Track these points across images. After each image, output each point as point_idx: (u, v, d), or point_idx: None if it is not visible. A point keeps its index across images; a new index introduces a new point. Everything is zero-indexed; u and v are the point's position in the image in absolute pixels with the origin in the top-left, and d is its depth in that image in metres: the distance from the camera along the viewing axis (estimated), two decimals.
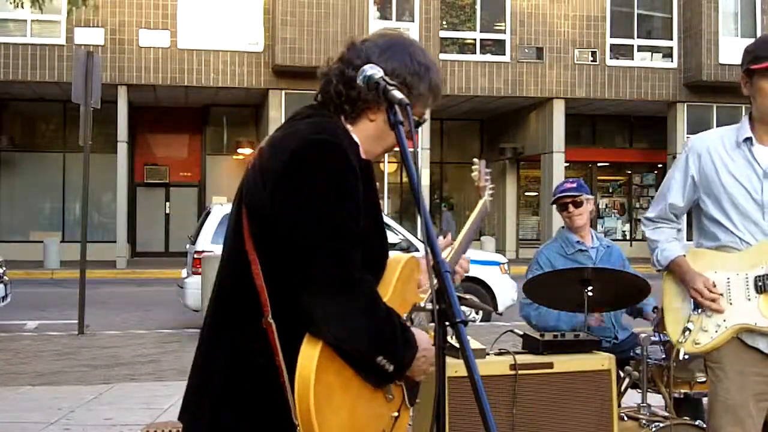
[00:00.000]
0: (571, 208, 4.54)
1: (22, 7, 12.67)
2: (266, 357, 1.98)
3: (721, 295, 3.23)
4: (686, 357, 4.02)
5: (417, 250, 10.04)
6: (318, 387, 1.91)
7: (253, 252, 2.02)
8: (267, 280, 1.99)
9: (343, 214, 1.97)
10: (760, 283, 3.19)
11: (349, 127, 2.14)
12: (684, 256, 3.35)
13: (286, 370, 1.95)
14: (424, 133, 22.02)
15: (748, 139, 3.26)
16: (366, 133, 2.15)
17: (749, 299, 3.20)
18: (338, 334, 1.94)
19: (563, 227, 4.72)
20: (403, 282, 2.16)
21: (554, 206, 4.66)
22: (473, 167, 2.75)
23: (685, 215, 3.54)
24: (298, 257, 1.96)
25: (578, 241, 4.56)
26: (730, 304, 3.23)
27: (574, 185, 4.63)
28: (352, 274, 1.95)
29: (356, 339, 1.95)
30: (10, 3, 12.50)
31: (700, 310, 3.28)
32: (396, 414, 2.13)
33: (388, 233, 2.48)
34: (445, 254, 2.37)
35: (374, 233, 2.11)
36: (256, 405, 2.01)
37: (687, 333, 3.28)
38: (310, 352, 1.93)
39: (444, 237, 2.44)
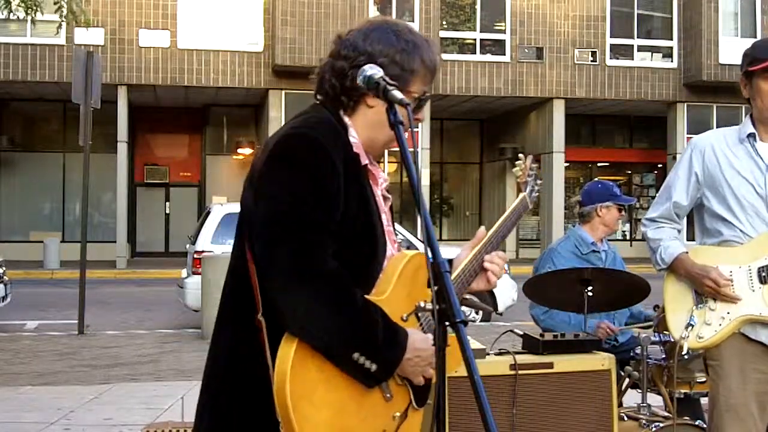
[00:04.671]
0: (623, 212, 4.71)
1: (17, 17, 12.61)
2: (258, 353, 1.97)
3: (732, 281, 3.24)
4: (686, 356, 4.03)
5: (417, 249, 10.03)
6: (296, 383, 1.89)
7: (249, 251, 2.02)
8: (259, 278, 1.99)
9: (310, 206, 1.95)
10: (764, 274, 3.21)
11: (348, 119, 2.14)
12: (687, 253, 3.36)
13: (272, 367, 1.93)
14: (424, 133, 22.04)
15: (751, 135, 3.30)
16: (366, 120, 2.14)
17: (753, 290, 3.22)
18: (303, 327, 1.91)
19: (574, 226, 4.76)
20: (405, 279, 2.10)
21: (601, 207, 4.62)
22: (517, 162, 2.69)
23: (685, 218, 3.56)
24: (264, 249, 1.95)
25: (593, 243, 4.60)
26: None
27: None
28: (316, 266, 1.92)
29: (321, 333, 1.91)
30: (1, 11, 12.46)
31: (702, 305, 3.30)
32: (398, 414, 2.06)
33: None
34: (477, 249, 2.33)
35: (362, 230, 2.06)
36: (248, 399, 2.01)
37: (690, 328, 3.29)
38: (286, 348, 1.91)
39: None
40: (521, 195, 2.62)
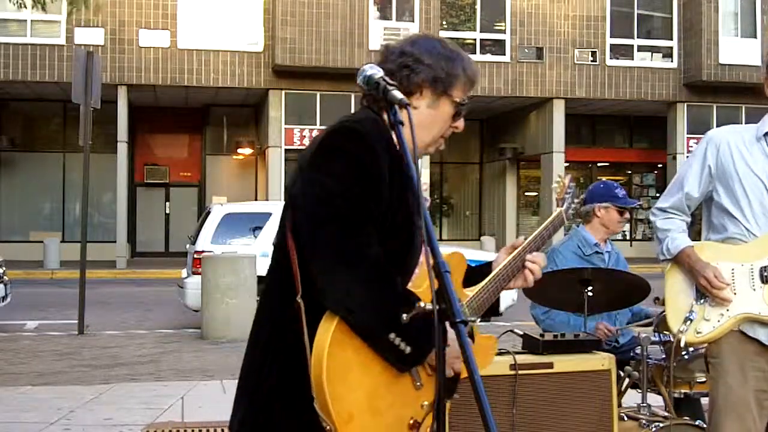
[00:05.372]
0: (626, 215, 4.63)
1: (25, 7, 12.64)
2: (296, 334, 2.05)
3: (729, 284, 3.25)
4: (686, 356, 4.03)
5: None
6: (332, 362, 1.96)
7: (291, 239, 2.12)
8: (300, 263, 2.08)
9: (357, 192, 2.03)
10: (766, 273, 3.22)
11: None
12: (692, 247, 3.37)
13: (308, 348, 2.01)
14: None
15: (767, 134, 3.30)
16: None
17: (754, 289, 3.23)
18: (344, 305, 1.99)
19: (578, 227, 4.73)
20: None
21: (600, 207, 4.57)
22: (556, 180, 2.81)
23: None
24: (309, 230, 2.04)
25: (596, 243, 4.57)
26: (735, 294, 3.25)
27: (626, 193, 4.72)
28: (359, 248, 2.01)
29: (362, 312, 1.99)
30: (13, 3, 12.49)
31: (702, 300, 3.30)
32: (427, 403, 2.12)
33: None
34: (516, 252, 2.46)
35: (402, 222, 2.13)
36: (286, 378, 2.09)
37: (689, 322, 3.30)
38: (325, 328, 1.99)
39: None
40: (558, 210, 2.74)
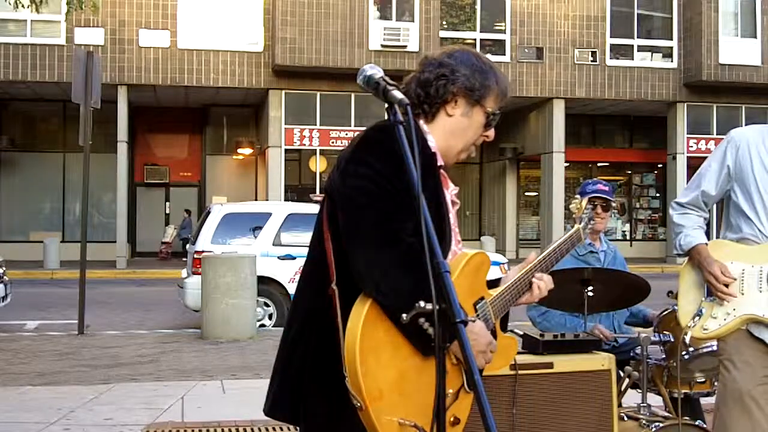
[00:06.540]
0: (599, 209, 4.48)
1: (24, 7, 12.63)
2: (329, 317, 2.15)
3: (735, 279, 3.28)
4: (686, 356, 4.03)
5: None
6: (365, 340, 2.03)
7: (327, 230, 2.23)
8: (335, 252, 2.19)
9: (395, 184, 2.12)
10: None
11: (426, 127, 2.34)
12: (706, 244, 3.40)
13: (342, 330, 2.10)
14: None
15: None
16: (444, 128, 2.35)
17: (761, 291, 3.26)
18: (379, 287, 2.06)
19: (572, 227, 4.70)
20: (467, 274, 2.28)
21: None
22: (574, 200, 2.96)
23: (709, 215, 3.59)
24: (349, 216, 2.15)
25: (590, 243, 4.56)
26: (742, 294, 3.28)
27: (607, 188, 4.58)
28: (396, 234, 2.10)
29: (396, 293, 2.05)
30: (8, 2, 12.48)
31: (712, 298, 3.34)
32: (451, 391, 2.16)
33: None
34: (527, 269, 2.57)
35: (434, 215, 2.18)
36: (318, 358, 2.18)
37: (697, 319, 3.34)
38: (359, 309, 2.07)
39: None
40: (576, 227, 2.84)
